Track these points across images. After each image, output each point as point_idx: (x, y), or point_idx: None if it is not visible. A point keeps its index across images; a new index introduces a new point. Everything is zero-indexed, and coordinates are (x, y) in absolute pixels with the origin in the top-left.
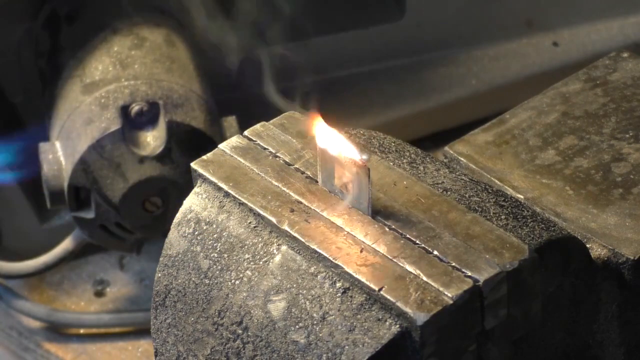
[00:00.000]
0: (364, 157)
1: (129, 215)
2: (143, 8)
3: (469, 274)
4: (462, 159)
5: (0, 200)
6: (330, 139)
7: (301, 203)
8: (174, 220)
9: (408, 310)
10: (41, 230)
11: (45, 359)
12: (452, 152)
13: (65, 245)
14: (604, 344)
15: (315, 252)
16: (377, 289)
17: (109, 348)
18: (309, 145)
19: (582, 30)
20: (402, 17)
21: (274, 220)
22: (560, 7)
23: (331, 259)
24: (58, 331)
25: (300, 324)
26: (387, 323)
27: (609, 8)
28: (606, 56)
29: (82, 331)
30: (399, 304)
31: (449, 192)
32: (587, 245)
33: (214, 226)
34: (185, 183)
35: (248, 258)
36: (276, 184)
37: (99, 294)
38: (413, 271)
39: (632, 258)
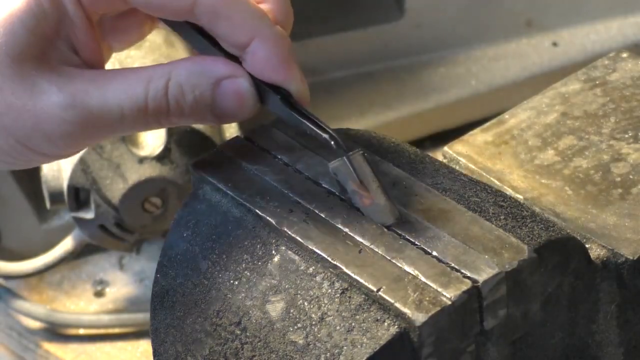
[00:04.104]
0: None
1: (129, 215)
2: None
3: (468, 274)
4: (461, 159)
5: (0, 200)
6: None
7: (300, 204)
8: (173, 221)
9: (406, 310)
10: (41, 230)
11: (44, 359)
12: (451, 152)
13: (65, 245)
14: (602, 344)
15: (314, 252)
16: (375, 289)
17: (109, 348)
18: (308, 146)
19: (581, 30)
20: (402, 17)
21: (272, 221)
22: (560, 7)
23: (330, 259)
24: (58, 331)
25: (299, 325)
26: (386, 324)
27: (608, 8)
28: (605, 56)
29: (81, 331)
30: (397, 304)
31: (448, 192)
32: (587, 246)
33: (213, 227)
34: (184, 183)
35: (247, 259)
36: (275, 184)
37: (99, 294)
38: (411, 272)
39: (631, 258)
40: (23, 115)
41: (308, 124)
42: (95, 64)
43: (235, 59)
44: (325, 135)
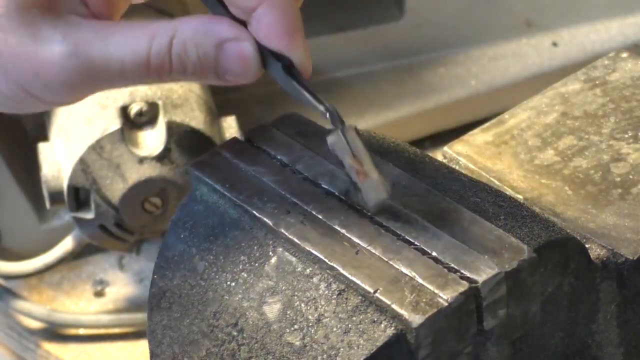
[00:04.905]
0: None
1: (129, 215)
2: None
3: (468, 274)
4: (461, 159)
5: (0, 200)
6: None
7: (297, 205)
8: (170, 222)
9: (403, 312)
10: (41, 230)
11: (44, 359)
12: (451, 152)
13: (65, 245)
14: (603, 344)
15: (311, 254)
16: (372, 291)
17: (109, 348)
18: (308, 146)
19: (581, 30)
20: (402, 17)
21: (270, 222)
22: (560, 7)
23: (327, 260)
24: (58, 331)
25: (296, 326)
26: (382, 325)
27: (608, 8)
28: (605, 56)
29: (81, 331)
30: (394, 306)
31: (448, 192)
32: (586, 246)
33: (210, 228)
34: (184, 183)
35: (244, 260)
36: (273, 185)
37: (99, 294)
38: (408, 273)
39: (631, 258)
40: (25, 61)
41: (306, 94)
42: (105, 16)
43: (243, 23)
44: (321, 107)
